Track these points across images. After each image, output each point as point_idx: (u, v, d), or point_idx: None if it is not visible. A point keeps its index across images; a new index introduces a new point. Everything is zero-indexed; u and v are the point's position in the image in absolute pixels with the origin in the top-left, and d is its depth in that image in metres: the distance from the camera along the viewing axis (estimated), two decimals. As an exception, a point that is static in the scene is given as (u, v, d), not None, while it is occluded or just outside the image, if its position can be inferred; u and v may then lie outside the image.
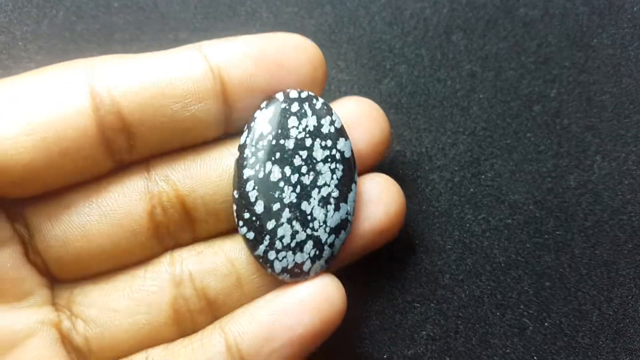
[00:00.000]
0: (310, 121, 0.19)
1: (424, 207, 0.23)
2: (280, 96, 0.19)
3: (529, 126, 0.24)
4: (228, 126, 0.19)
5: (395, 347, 0.22)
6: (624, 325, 0.22)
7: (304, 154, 0.19)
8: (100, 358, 0.19)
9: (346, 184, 0.19)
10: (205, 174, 0.19)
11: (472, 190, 0.24)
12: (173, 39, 0.25)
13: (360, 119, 0.20)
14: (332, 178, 0.19)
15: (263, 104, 0.19)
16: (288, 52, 0.19)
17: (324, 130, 0.19)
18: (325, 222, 0.19)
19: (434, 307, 0.23)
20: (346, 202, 0.19)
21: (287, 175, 0.19)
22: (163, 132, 0.18)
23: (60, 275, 0.19)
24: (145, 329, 0.19)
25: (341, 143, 0.19)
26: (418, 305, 0.23)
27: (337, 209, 0.19)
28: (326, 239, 0.19)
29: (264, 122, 0.19)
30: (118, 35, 0.25)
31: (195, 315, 0.19)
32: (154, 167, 0.19)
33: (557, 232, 0.23)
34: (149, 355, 0.19)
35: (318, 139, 0.19)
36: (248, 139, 0.19)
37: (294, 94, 0.19)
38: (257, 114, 0.19)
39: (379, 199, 0.20)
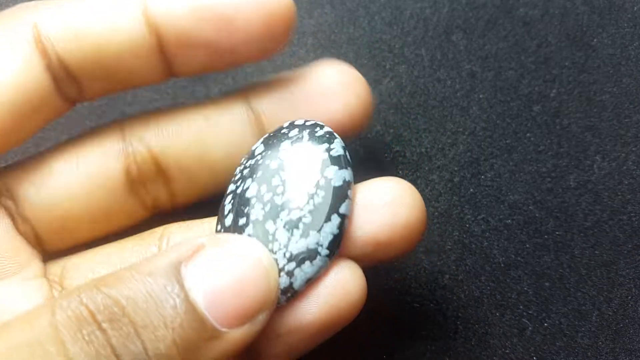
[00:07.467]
0: (304, 147, 0.18)
1: (423, 207, 0.23)
2: (285, 123, 0.19)
3: (529, 126, 0.24)
4: (174, 71, 0.20)
5: (395, 347, 0.23)
6: (623, 326, 0.22)
7: (284, 174, 0.18)
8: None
9: (324, 213, 0.17)
10: (178, 135, 0.20)
11: (471, 190, 0.24)
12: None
13: (339, 87, 0.20)
14: (307, 203, 0.17)
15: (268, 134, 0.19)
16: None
17: (316, 156, 0.18)
18: (286, 246, 0.17)
19: (433, 308, 0.23)
20: (319, 232, 0.17)
21: (262, 193, 0.18)
22: (105, 80, 0.19)
23: (51, 243, 0.20)
24: None
25: (331, 171, 0.18)
26: (417, 305, 0.23)
27: (304, 235, 0.17)
28: (284, 265, 0.17)
29: (259, 143, 0.19)
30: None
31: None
32: (130, 129, 0.20)
33: (557, 233, 0.23)
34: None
35: (305, 164, 0.18)
36: (244, 158, 0.19)
37: (299, 121, 0.19)
38: (260, 140, 0.19)
39: (381, 205, 0.18)
